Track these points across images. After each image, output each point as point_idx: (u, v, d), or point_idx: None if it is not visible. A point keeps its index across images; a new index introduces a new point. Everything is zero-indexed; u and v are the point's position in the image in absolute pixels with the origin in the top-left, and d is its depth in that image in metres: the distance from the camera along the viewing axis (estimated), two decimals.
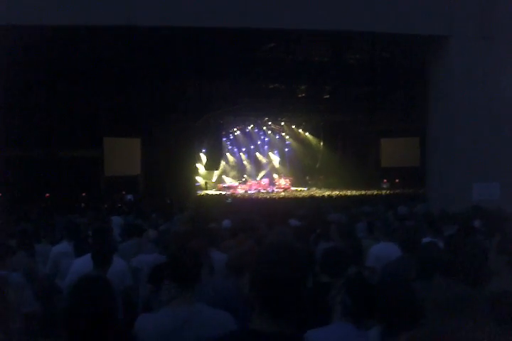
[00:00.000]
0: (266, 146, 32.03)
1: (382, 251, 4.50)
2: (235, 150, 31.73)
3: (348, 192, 23.04)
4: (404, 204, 10.50)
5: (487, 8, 11.23)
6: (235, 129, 30.99)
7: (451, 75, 11.67)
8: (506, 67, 11.40)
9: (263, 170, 31.71)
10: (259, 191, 27.38)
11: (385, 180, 25.93)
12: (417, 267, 2.97)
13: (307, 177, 29.93)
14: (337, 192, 23.25)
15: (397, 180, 25.20)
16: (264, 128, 31.12)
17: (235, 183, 29.71)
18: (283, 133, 31.45)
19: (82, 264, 4.25)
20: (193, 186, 26.05)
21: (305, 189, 28.23)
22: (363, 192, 22.44)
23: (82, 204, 16.66)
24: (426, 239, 4.03)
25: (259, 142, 31.90)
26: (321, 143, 29.26)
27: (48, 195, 18.39)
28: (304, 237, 5.89)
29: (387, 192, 22.59)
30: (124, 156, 21.93)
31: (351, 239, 4.27)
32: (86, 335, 2.01)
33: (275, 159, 32.04)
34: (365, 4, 10.87)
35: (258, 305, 1.79)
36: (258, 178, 30.75)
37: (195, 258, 2.61)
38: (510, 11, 11.36)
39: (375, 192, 22.32)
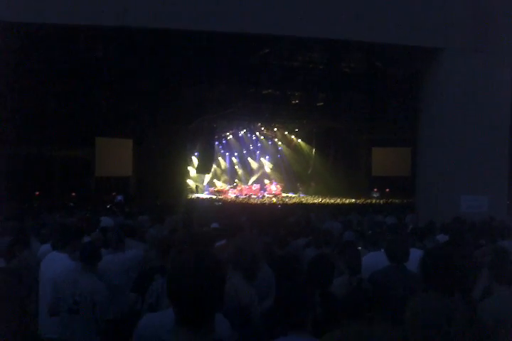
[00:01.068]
0: (258, 151, 32.07)
1: (370, 260, 4.53)
2: (227, 154, 31.73)
3: (338, 200, 23.13)
4: (393, 214, 10.54)
5: (480, 21, 11.38)
6: (228, 133, 31.01)
7: (443, 87, 11.79)
8: (498, 80, 11.55)
9: (254, 175, 31.73)
10: (249, 196, 27.39)
11: (375, 189, 26.03)
12: (424, 279, 2.96)
13: (298, 184, 30.01)
14: (327, 200, 23.35)
15: (387, 190, 25.31)
16: (257, 133, 31.19)
17: (226, 187, 29.71)
18: (275, 139, 31.53)
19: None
20: (184, 189, 26.00)
21: (295, 195, 28.30)
22: (353, 201, 22.55)
23: (72, 204, 16.57)
24: (413, 250, 4.07)
25: (251, 147, 31.94)
26: (313, 150, 29.36)
27: (37, 193, 18.28)
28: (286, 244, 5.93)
29: (377, 201, 22.69)
30: (116, 157, 21.84)
31: (350, 248, 4.29)
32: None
33: (267, 165, 32.08)
34: (360, 14, 10.98)
35: (175, 314, 1.75)
36: (249, 183, 30.76)
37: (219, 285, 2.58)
38: (503, 25, 11.52)
39: (366, 201, 22.43)
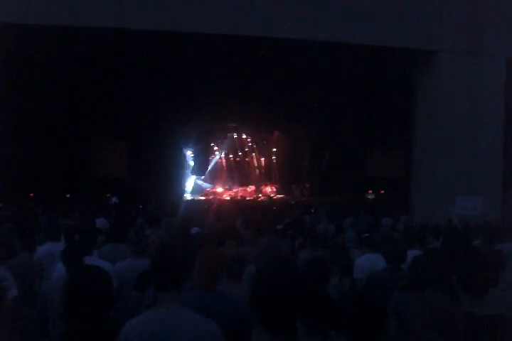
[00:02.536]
0: (253, 153, 32.10)
1: (367, 262, 4.55)
2: (223, 155, 31.74)
3: (333, 201, 23.14)
4: (388, 216, 10.58)
5: (474, 24, 11.46)
6: (223, 135, 31.03)
7: (437, 89, 11.86)
8: (492, 82, 11.62)
9: (250, 176, 31.75)
10: (245, 197, 27.40)
11: (370, 191, 26.07)
12: (410, 278, 3.02)
13: (293, 186, 30.02)
14: (322, 201, 23.35)
15: (382, 191, 25.35)
16: (253, 134, 31.21)
17: (221, 189, 29.72)
18: (270, 141, 31.55)
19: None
20: (179, 190, 25.97)
21: (290, 197, 28.34)
22: (348, 202, 22.56)
23: (67, 206, 16.50)
24: (411, 252, 4.10)
25: (246, 149, 31.96)
26: (308, 152, 29.38)
27: (32, 194, 18.21)
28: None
29: (372, 202, 22.74)
30: (111, 158, 21.81)
31: (340, 250, 4.31)
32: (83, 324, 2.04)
33: (261, 166, 32.11)
34: (355, 17, 11.03)
35: (258, 321, 1.84)
36: (244, 185, 30.78)
37: (177, 264, 2.62)
38: (497, 27, 11.60)
39: (360, 202, 22.44)
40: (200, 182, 30.06)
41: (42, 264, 4.92)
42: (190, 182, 29.25)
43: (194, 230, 7.22)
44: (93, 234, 5.09)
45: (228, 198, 27.29)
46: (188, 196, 27.20)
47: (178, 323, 2.41)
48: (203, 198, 26.98)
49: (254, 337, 1.87)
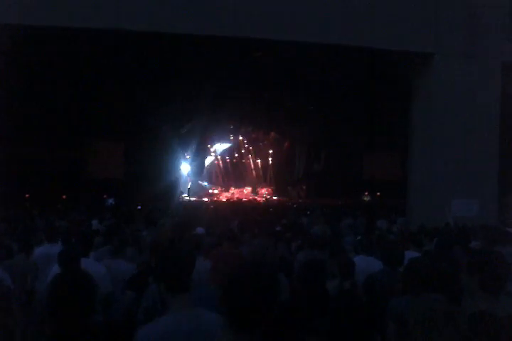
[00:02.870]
0: (250, 155, 32.12)
1: (360, 264, 4.55)
2: (219, 157, 31.75)
3: (329, 203, 23.16)
4: (384, 218, 10.61)
5: (470, 27, 11.51)
6: (220, 137, 31.04)
7: (433, 92, 11.89)
8: (487, 85, 11.67)
9: (246, 178, 31.77)
10: (241, 199, 27.41)
11: (366, 193, 26.13)
12: (405, 282, 3.03)
13: (289, 187, 30.06)
14: (318, 203, 23.36)
15: (378, 193, 25.42)
16: (249, 136, 31.24)
17: (218, 190, 29.72)
18: (267, 142, 31.59)
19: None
20: (176, 192, 25.95)
21: (287, 198, 28.37)
22: (344, 204, 22.59)
23: (62, 207, 16.47)
24: (408, 253, 4.10)
25: (243, 150, 31.98)
26: (305, 154, 29.43)
27: (28, 195, 18.15)
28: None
29: (368, 204, 22.78)
30: (107, 160, 21.75)
31: (339, 252, 4.32)
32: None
33: (258, 168, 32.13)
34: (352, 19, 11.06)
35: (226, 319, 1.87)
36: (241, 186, 30.80)
37: (189, 266, 2.63)
38: (492, 30, 11.65)
39: (356, 204, 22.48)
40: (201, 182, 30.04)
41: (37, 264, 4.92)
42: (187, 183, 29.23)
43: (199, 230, 7.23)
44: (90, 236, 5.08)
45: (224, 200, 27.29)
46: (185, 197, 27.18)
47: (198, 324, 2.42)
48: (199, 199, 26.96)
49: (222, 338, 1.89)
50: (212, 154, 31.53)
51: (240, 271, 1.96)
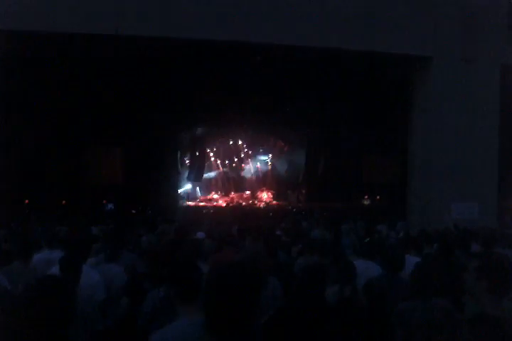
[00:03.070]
0: (249, 159, 32.12)
1: (359, 267, 4.52)
2: (218, 161, 31.75)
3: (329, 207, 23.14)
4: (384, 222, 10.59)
5: (469, 31, 11.54)
6: (219, 141, 31.05)
7: (432, 95, 11.91)
8: (486, 89, 11.68)
9: (245, 182, 31.75)
10: (240, 203, 27.38)
11: (366, 196, 26.12)
12: (412, 287, 3.01)
13: (289, 191, 30.02)
14: (318, 207, 23.35)
15: (378, 197, 25.40)
16: (248, 140, 31.24)
17: (217, 195, 29.70)
18: (266, 146, 31.60)
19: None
20: (176, 197, 25.93)
21: (286, 202, 28.33)
22: (344, 208, 22.59)
23: (62, 213, 16.45)
24: (408, 258, 4.08)
25: (242, 154, 31.98)
26: (304, 157, 29.41)
27: (27, 201, 18.13)
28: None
29: (368, 207, 22.79)
30: (105, 165, 21.75)
31: (340, 257, 4.31)
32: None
33: (258, 172, 32.13)
34: (350, 23, 11.09)
35: (207, 325, 1.88)
36: (240, 190, 30.77)
37: (199, 274, 2.65)
38: (492, 35, 11.68)
39: (357, 207, 22.50)
40: (196, 189, 30.02)
41: (37, 270, 4.90)
42: (187, 188, 29.22)
43: (200, 235, 7.23)
44: (88, 242, 5.07)
45: (224, 204, 27.27)
46: (184, 202, 27.16)
47: None
48: (200, 204, 26.93)
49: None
50: (212, 159, 31.53)
51: (217, 273, 1.95)
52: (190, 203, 27.44)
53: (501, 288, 2.65)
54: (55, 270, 4.38)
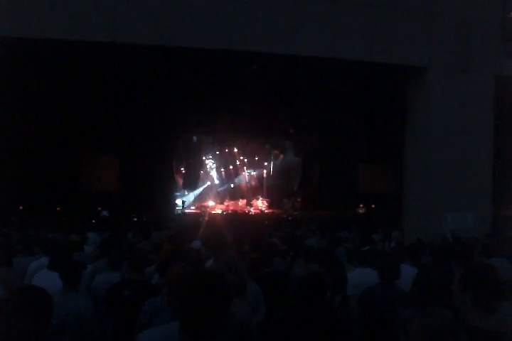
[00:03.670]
0: (244, 167, 32.12)
1: (359, 277, 4.52)
2: (214, 169, 31.74)
3: (324, 216, 23.15)
4: (378, 231, 10.62)
5: (465, 41, 11.63)
6: (214, 149, 31.06)
7: (427, 105, 11.96)
8: (481, 99, 11.76)
9: (241, 190, 31.73)
10: (236, 211, 27.34)
11: (361, 205, 26.16)
12: (413, 294, 3.00)
13: (284, 200, 30.01)
14: (313, 216, 23.36)
15: (373, 206, 25.44)
16: (243, 149, 31.26)
17: (212, 203, 29.66)
18: (262, 155, 31.62)
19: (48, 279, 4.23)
20: (171, 204, 25.88)
21: (282, 210, 28.32)
22: (339, 216, 22.59)
23: (56, 219, 16.38)
24: (404, 267, 4.09)
25: (237, 162, 31.98)
26: (300, 166, 29.45)
27: (21, 207, 18.05)
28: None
29: (363, 216, 22.81)
30: (101, 172, 21.72)
31: (335, 266, 4.32)
32: None
33: (253, 180, 32.12)
34: (346, 33, 11.16)
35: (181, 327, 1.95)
36: (236, 198, 30.74)
37: None
38: (487, 45, 11.78)
39: (352, 216, 22.51)
40: (191, 196, 29.99)
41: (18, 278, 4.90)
42: (182, 195, 29.18)
43: (196, 243, 7.22)
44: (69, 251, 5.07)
45: (219, 212, 27.23)
46: (179, 210, 27.10)
47: None
48: (195, 212, 26.88)
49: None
50: (207, 166, 31.52)
51: (189, 278, 2.05)
52: (186, 210, 27.38)
53: (486, 302, 2.54)
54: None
